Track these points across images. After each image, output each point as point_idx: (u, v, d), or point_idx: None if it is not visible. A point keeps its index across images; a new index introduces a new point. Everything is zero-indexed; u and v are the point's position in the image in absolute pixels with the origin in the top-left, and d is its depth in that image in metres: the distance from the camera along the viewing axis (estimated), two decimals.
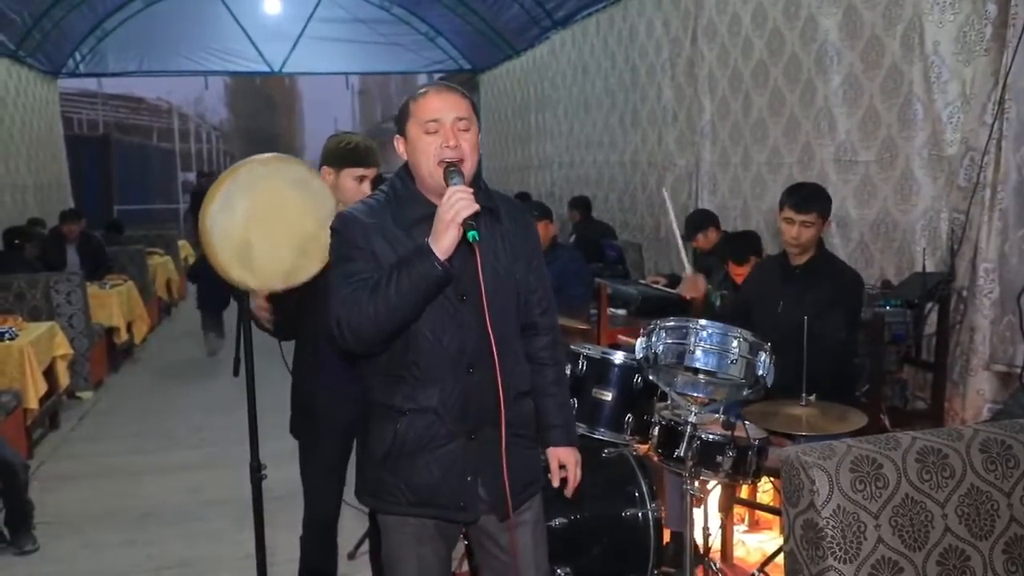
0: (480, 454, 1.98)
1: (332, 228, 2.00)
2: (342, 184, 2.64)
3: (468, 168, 1.92)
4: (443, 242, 1.81)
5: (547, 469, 2.19)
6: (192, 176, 20.74)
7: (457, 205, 1.81)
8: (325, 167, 2.67)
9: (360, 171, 2.65)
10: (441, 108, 1.92)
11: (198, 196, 15.97)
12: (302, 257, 2.48)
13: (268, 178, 2.46)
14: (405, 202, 1.96)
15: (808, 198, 3.30)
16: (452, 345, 1.94)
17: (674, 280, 5.63)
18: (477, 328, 1.93)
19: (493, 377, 1.95)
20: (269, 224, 2.44)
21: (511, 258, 2.02)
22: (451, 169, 1.88)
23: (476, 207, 1.82)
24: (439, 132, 1.91)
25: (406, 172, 2.00)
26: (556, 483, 2.18)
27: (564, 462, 2.17)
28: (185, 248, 12.30)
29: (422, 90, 1.99)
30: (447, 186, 1.87)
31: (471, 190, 1.86)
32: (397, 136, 2.00)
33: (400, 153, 2.00)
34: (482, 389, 1.95)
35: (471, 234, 1.81)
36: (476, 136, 1.96)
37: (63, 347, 5.71)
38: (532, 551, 2.10)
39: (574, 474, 2.18)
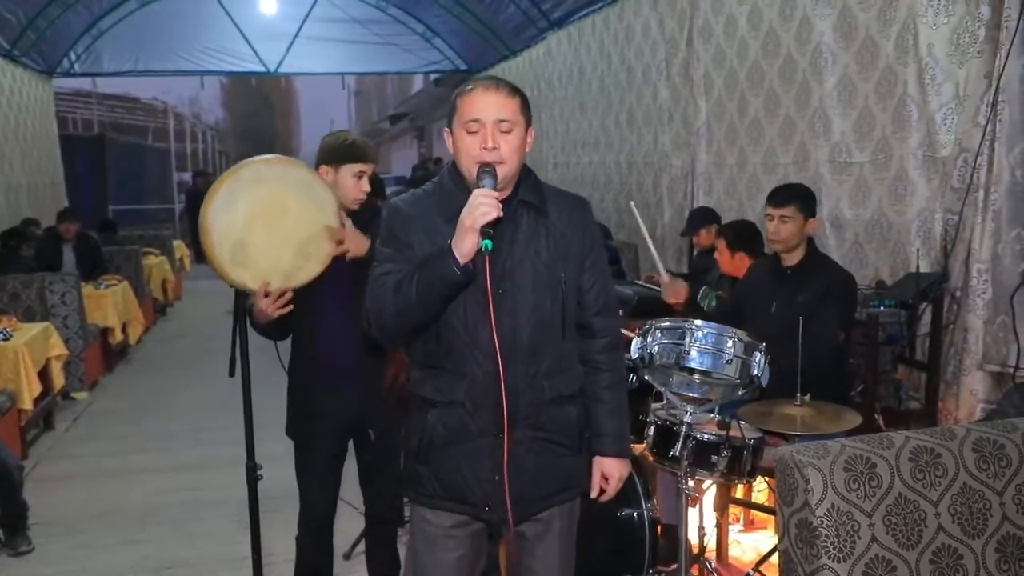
0: (508, 455, 1.94)
1: (381, 216, 2.04)
2: (341, 181, 2.64)
3: (506, 170, 1.90)
4: (463, 246, 1.82)
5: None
6: (188, 176, 20.66)
7: (477, 212, 1.80)
8: (323, 165, 2.66)
9: (359, 167, 2.65)
10: (483, 108, 1.90)
11: (194, 196, 15.92)
12: (303, 259, 2.48)
13: (270, 179, 2.46)
14: (450, 193, 1.96)
15: (787, 194, 3.37)
16: (482, 338, 1.91)
17: None
18: (509, 324, 1.92)
19: (527, 375, 1.94)
20: (270, 225, 2.44)
21: (556, 255, 1.98)
22: (484, 170, 1.87)
23: (495, 214, 1.81)
24: (480, 132, 1.89)
25: (454, 165, 1.99)
26: (594, 494, 2.14)
27: (608, 474, 2.12)
28: (180, 248, 12.28)
29: (469, 86, 1.96)
30: (478, 187, 1.87)
31: (496, 194, 1.84)
32: (445, 128, 2.00)
33: (448, 146, 1.99)
34: (513, 387, 1.92)
35: (485, 243, 1.80)
36: (520, 138, 1.93)
37: (58, 348, 5.70)
38: (557, 563, 2.07)
39: (614, 489, 2.14)
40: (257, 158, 2.53)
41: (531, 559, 2.08)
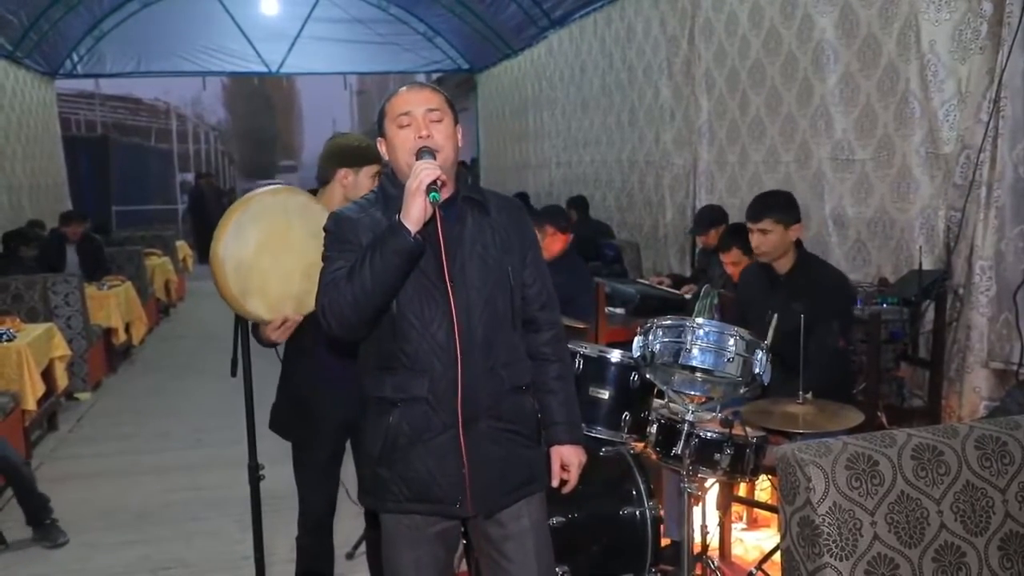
0: (473, 447, 1.97)
1: (325, 228, 2.03)
2: (361, 183, 2.66)
3: (442, 159, 1.94)
4: (412, 212, 1.84)
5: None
6: (190, 177, 20.68)
7: (421, 175, 1.84)
8: (344, 169, 2.67)
9: (376, 168, 2.68)
10: (412, 101, 1.97)
11: (197, 197, 15.88)
12: (309, 283, 2.50)
13: (276, 209, 2.50)
14: (392, 198, 1.98)
15: (759, 207, 3.34)
16: (440, 332, 1.94)
17: (677, 280, 5.63)
18: (465, 318, 1.94)
19: (485, 367, 1.96)
20: (279, 254, 2.47)
21: (502, 250, 2.03)
22: (423, 150, 1.92)
23: (438, 173, 1.85)
24: (412, 124, 1.96)
25: (392, 172, 2.04)
26: (555, 483, 2.16)
27: (567, 462, 2.16)
28: (183, 249, 12.29)
29: (395, 90, 2.04)
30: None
31: (435, 162, 1.89)
32: (379, 139, 2.04)
33: (383, 155, 2.05)
34: (473, 378, 1.95)
35: (433, 195, 1.84)
36: (451, 128, 1.99)
37: (61, 348, 5.70)
38: (535, 560, 2.07)
39: (575, 477, 2.17)
40: (263, 189, 2.58)
41: (507, 562, 2.06)
